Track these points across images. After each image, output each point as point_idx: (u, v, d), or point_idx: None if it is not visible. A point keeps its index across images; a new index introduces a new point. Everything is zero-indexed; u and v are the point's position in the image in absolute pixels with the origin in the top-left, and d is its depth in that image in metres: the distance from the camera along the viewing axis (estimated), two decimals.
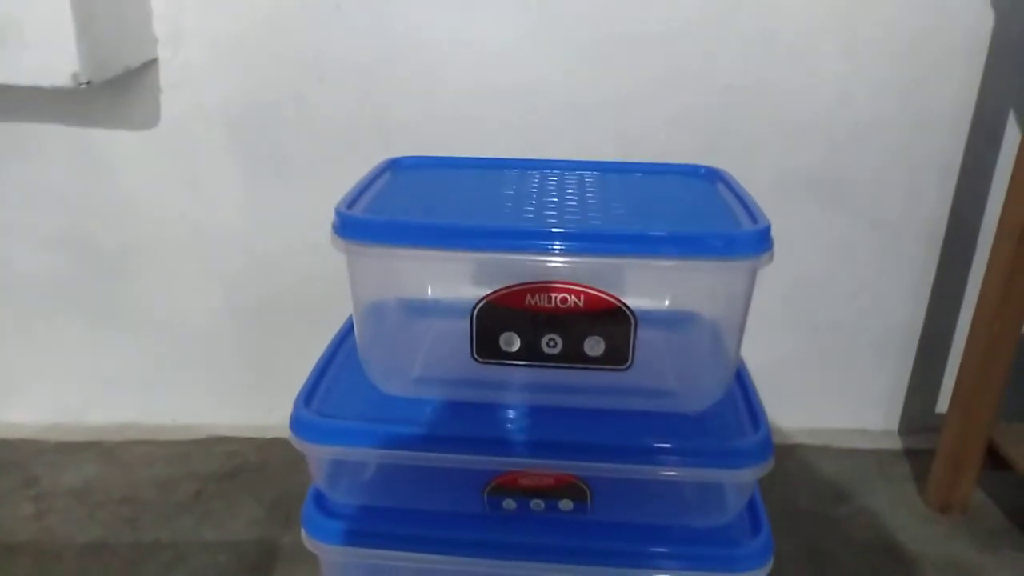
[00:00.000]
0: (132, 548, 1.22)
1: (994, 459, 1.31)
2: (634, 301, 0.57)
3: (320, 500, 0.59)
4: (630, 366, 0.59)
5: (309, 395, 0.61)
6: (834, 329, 1.44)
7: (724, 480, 0.57)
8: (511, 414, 0.57)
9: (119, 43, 1.18)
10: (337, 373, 0.65)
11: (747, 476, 0.56)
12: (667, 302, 0.62)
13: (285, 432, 1.47)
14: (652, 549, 0.55)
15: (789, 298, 1.42)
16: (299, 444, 0.58)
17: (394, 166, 0.79)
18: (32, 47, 1.06)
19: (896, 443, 1.49)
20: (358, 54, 1.28)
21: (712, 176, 0.78)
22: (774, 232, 0.62)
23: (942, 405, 1.48)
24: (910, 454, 1.47)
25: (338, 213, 0.61)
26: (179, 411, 1.50)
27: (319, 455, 0.60)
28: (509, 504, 0.57)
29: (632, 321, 0.57)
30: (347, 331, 0.69)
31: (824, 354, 1.46)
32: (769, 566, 0.56)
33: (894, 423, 1.52)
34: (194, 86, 1.30)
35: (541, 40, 1.27)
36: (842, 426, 1.50)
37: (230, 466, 1.41)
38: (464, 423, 0.58)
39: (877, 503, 1.34)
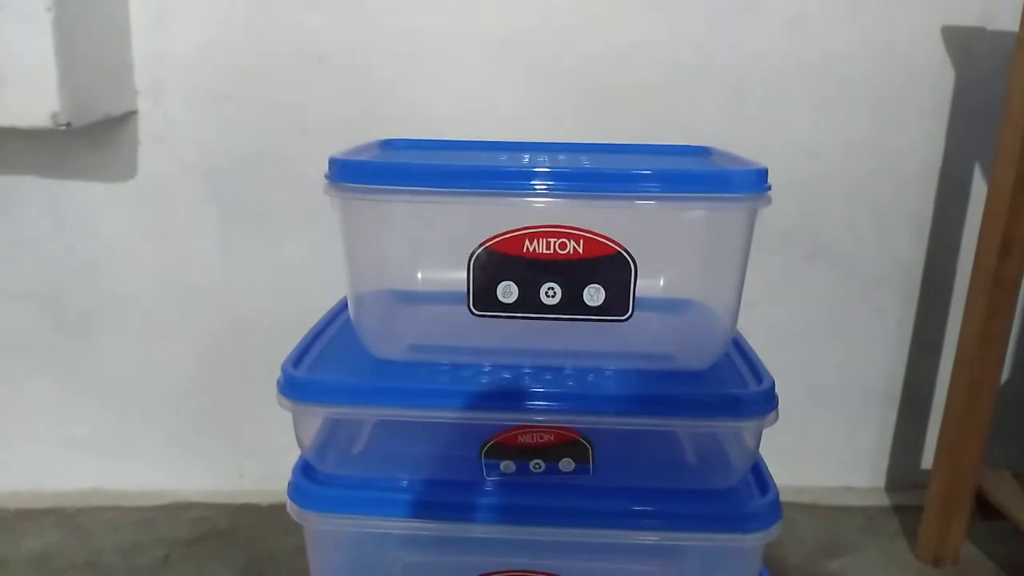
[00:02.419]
0: None
1: (983, 508, 1.29)
2: (633, 248, 0.56)
3: (308, 471, 0.56)
4: (630, 316, 0.57)
5: (298, 359, 0.58)
6: (816, 385, 1.44)
7: (728, 432, 0.55)
8: (509, 368, 0.55)
9: (100, 89, 1.18)
10: (327, 344, 0.62)
11: (751, 427, 0.54)
12: (666, 249, 0.61)
13: (256, 497, 1.43)
14: (658, 509, 0.52)
15: (769, 353, 1.40)
16: (289, 405, 0.54)
17: (386, 144, 0.78)
18: (12, 86, 1.05)
19: (884, 500, 1.47)
20: (340, 108, 1.29)
21: (704, 151, 0.78)
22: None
23: (927, 461, 1.47)
24: (899, 510, 1.44)
25: (331, 160, 0.59)
26: (145, 476, 1.44)
27: (309, 416, 0.56)
28: (507, 466, 0.54)
29: (632, 268, 0.56)
30: (339, 309, 0.67)
31: (807, 411, 1.45)
32: (779, 527, 0.54)
33: (881, 480, 1.50)
34: (173, 139, 1.30)
35: (527, 98, 1.29)
36: (828, 484, 1.48)
37: (199, 531, 1.35)
38: (460, 378, 0.55)
39: (869, 558, 1.31)
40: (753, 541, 0.54)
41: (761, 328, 1.14)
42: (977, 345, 1.22)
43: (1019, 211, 1.17)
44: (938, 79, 1.32)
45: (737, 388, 0.56)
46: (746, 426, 0.55)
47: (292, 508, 0.56)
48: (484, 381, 0.55)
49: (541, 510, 0.54)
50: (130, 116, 1.28)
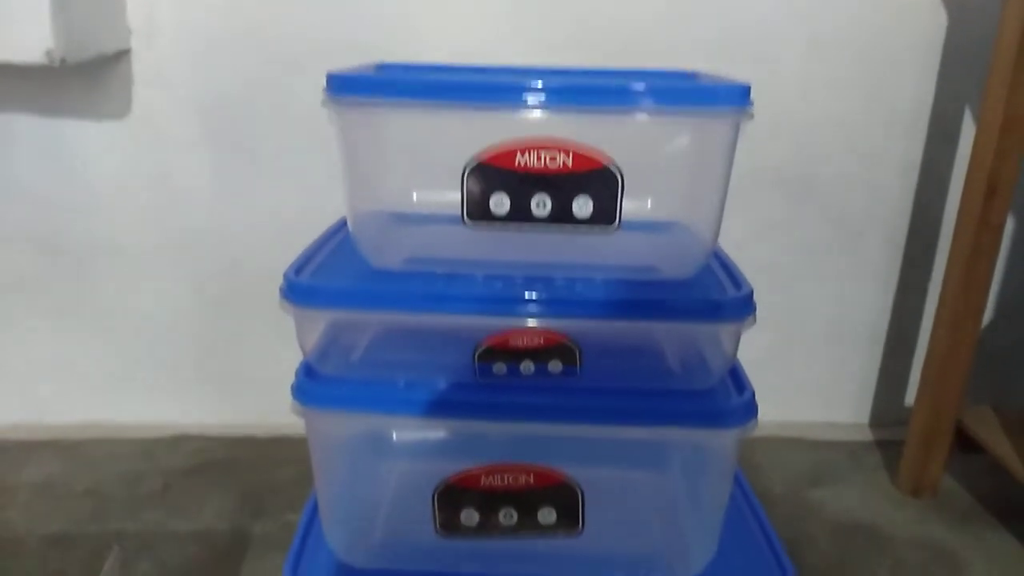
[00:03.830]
0: (96, 539, 1.19)
1: (963, 442, 1.33)
2: (621, 162, 0.58)
3: (310, 372, 0.58)
4: (617, 227, 0.59)
5: (300, 267, 0.60)
6: (802, 324, 1.47)
7: (708, 335, 0.58)
8: (501, 277, 0.57)
9: (94, 27, 1.18)
10: (327, 256, 0.64)
11: (730, 330, 0.56)
12: (652, 164, 0.63)
13: (254, 431, 1.46)
14: (641, 406, 0.55)
15: (758, 294, 1.43)
16: (292, 310, 0.57)
17: (381, 67, 0.79)
18: (6, 22, 1.06)
19: (867, 435, 1.51)
20: (335, 44, 1.29)
21: (690, 74, 0.80)
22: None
23: (910, 399, 1.50)
24: (881, 445, 1.48)
25: (329, 76, 0.60)
26: (144, 409, 1.47)
27: (310, 320, 0.58)
28: (500, 368, 0.57)
29: (619, 181, 0.58)
30: (338, 227, 0.69)
31: (793, 349, 1.48)
32: (754, 423, 0.56)
33: (864, 416, 1.53)
34: (167, 78, 1.30)
35: (517, 32, 1.30)
36: (813, 419, 1.51)
37: (197, 462, 1.38)
38: (455, 285, 0.57)
39: (850, 489, 1.35)
40: (730, 437, 0.57)
41: (748, 268, 1.15)
42: (961, 284, 1.24)
43: (1006, 152, 1.18)
44: (930, 21, 1.33)
45: (717, 294, 0.58)
46: (725, 329, 0.57)
47: (295, 406, 0.58)
48: (478, 287, 0.57)
49: (531, 407, 0.56)
50: (123, 55, 1.29)
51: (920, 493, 1.33)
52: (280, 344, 1.37)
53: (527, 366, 0.57)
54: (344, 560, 0.61)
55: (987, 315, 1.44)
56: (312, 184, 1.34)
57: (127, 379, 1.46)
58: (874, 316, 1.47)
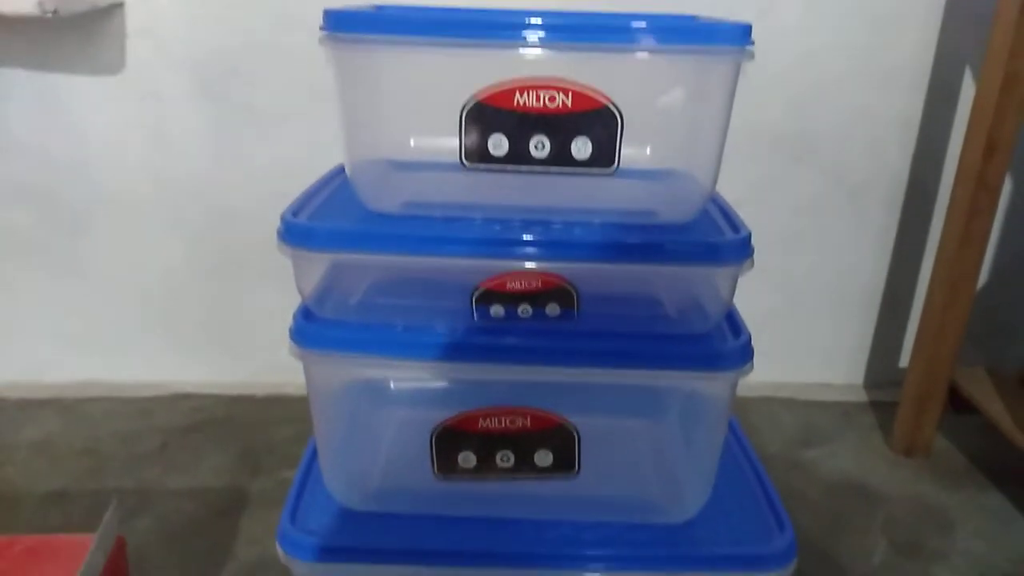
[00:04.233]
0: (94, 496, 1.19)
1: (956, 402, 1.34)
2: (621, 103, 0.57)
3: (308, 315, 0.58)
4: (616, 170, 0.59)
5: (297, 209, 0.60)
6: (798, 285, 1.47)
7: (706, 278, 0.58)
8: (499, 217, 0.57)
9: None
10: (324, 200, 0.63)
11: (728, 273, 0.56)
12: (652, 105, 0.62)
13: (251, 388, 1.47)
14: (638, 349, 0.55)
15: (755, 253, 1.43)
16: (289, 251, 0.56)
17: (379, 8, 0.78)
18: None
19: (861, 396, 1.52)
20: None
21: (690, 17, 0.79)
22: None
23: (905, 360, 1.51)
24: (875, 406, 1.49)
25: (326, 12, 0.59)
26: (141, 368, 1.47)
27: (307, 262, 0.58)
28: (497, 311, 0.57)
29: (619, 122, 0.57)
30: (336, 173, 0.68)
31: (788, 310, 1.48)
32: (750, 366, 0.57)
33: (859, 377, 1.54)
34: (161, 32, 1.29)
35: None
36: (808, 380, 1.52)
37: (195, 421, 1.39)
38: (453, 227, 0.57)
39: (844, 448, 1.36)
40: (726, 380, 0.57)
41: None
42: (958, 243, 1.24)
43: (1005, 111, 1.18)
44: None
45: (715, 237, 0.58)
46: (723, 272, 0.57)
47: (293, 349, 0.58)
48: (476, 230, 0.57)
49: (528, 350, 0.56)
50: (116, 8, 1.27)
51: (913, 453, 1.34)
52: (279, 302, 1.37)
53: (525, 309, 0.57)
54: (343, 504, 0.62)
55: (983, 277, 1.45)
56: (309, 137, 1.33)
57: (125, 338, 1.46)
58: (870, 277, 1.48)
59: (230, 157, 1.36)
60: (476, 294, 0.57)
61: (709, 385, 0.59)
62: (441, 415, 0.59)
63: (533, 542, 0.58)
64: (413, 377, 0.69)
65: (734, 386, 0.59)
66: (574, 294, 0.57)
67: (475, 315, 0.57)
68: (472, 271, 0.56)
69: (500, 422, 0.58)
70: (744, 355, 0.57)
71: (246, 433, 1.35)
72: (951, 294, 1.26)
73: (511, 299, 0.57)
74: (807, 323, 1.49)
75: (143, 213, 1.39)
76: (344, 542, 0.58)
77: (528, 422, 0.58)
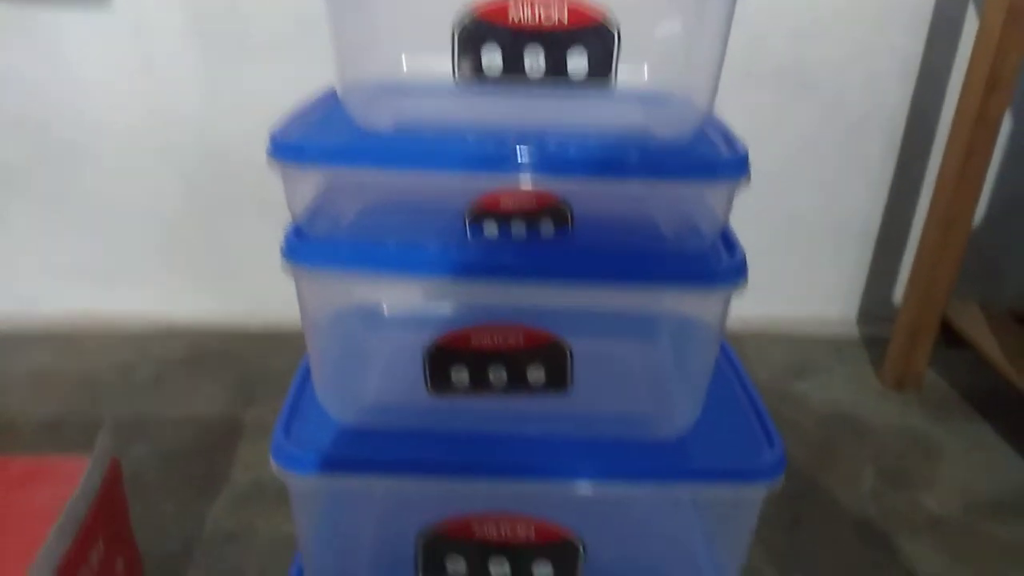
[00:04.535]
0: (91, 425, 1.20)
1: (948, 337, 1.34)
2: (618, 18, 0.56)
3: (300, 234, 0.58)
4: (613, 87, 0.58)
5: (288, 126, 0.59)
6: (795, 221, 1.46)
7: (701, 194, 0.58)
8: (493, 134, 0.56)
9: None
10: (315, 119, 0.62)
11: (724, 190, 0.56)
12: (649, 21, 0.61)
13: (245, 323, 1.47)
14: (632, 267, 0.55)
15: (751, 188, 1.42)
16: (279, 167, 0.56)
17: None
18: None
19: (854, 331, 1.53)
20: None
21: None
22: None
23: (899, 296, 1.51)
24: (867, 341, 1.50)
25: None
26: (135, 301, 1.47)
27: (298, 179, 0.57)
28: (491, 229, 0.56)
29: (615, 38, 0.57)
30: (328, 94, 0.67)
31: (784, 245, 1.48)
32: (744, 283, 0.57)
33: (852, 313, 1.55)
34: None
35: None
36: (802, 315, 1.52)
37: (190, 353, 1.39)
38: (446, 142, 0.56)
39: (834, 380, 1.38)
40: (720, 297, 0.57)
41: None
42: (955, 179, 1.23)
43: (1008, 47, 1.16)
44: None
45: (712, 154, 0.58)
46: (719, 190, 0.56)
47: (285, 266, 0.57)
48: (469, 146, 0.56)
49: (522, 268, 0.56)
50: None
51: (903, 386, 1.35)
52: (274, 236, 1.37)
53: (519, 227, 0.56)
54: (337, 419, 0.62)
55: (979, 214, 1.44)
56: (300, 70, 1.30)
57: (118, 271, 1.45)
58: (867, 213, 1.47)
59: (222, 90, 1.34)
60: (470, 212, 0.57)
61: (703, 303, 0.59)
62: (435, 335, 0.59)
63: (526, 455, 0.59)
64: (406, 298, 0.68)
65: (727, 304, 0.59)
66: (568, 212, 0.56)
67: (469, 233, 0.57)
68: (466, 188, 0.56)
69: (493, 339, 0.58)
70: (738, 272, 0.56)
71: (241, 365, 1.36)
72: (947, 229, 1.26)
73: (505, 217, 0.57)
74: (802, 258, 1.49)
75: (136, 147, 1.37)
76: (338, 454, 0.58)
77: (521, 339, 0.58)
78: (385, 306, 0.73)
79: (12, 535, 0.70)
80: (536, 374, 0.60)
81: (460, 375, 0.60)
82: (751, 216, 1.43)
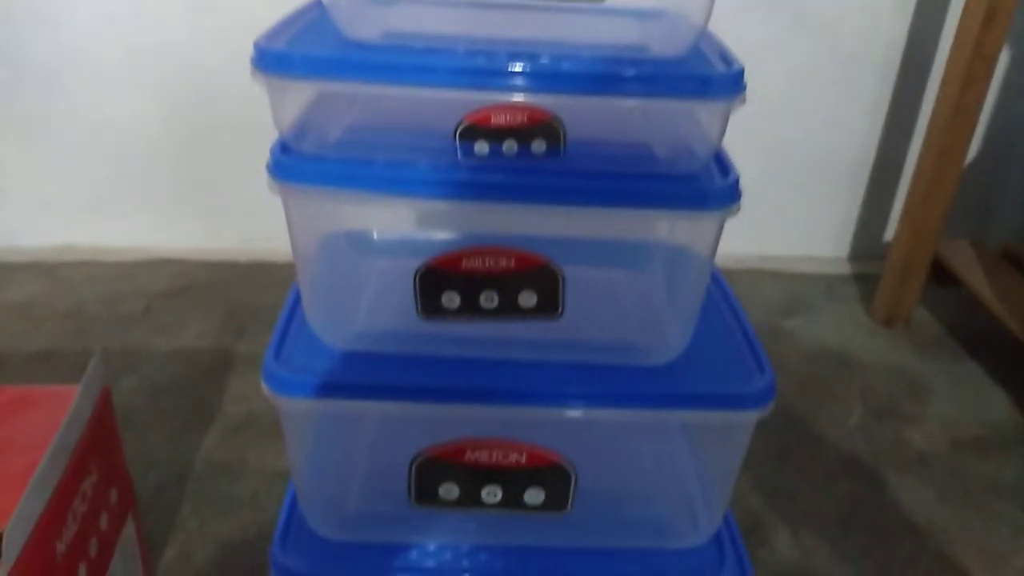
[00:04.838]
0: (80, 356, 1.19)
1: (939, 275, 1.35)
2: None
3: (286, 149, 0.56)
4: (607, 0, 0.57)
5: (272, 36, 0.57)
6: (788, 156, 1.45)
7: (695, 113, 0.57)
8: (484, 48, 0.55)
9: None
10: (299, 30, 0.60)
11: (719, 109, 0.55)
12: None
13: (233, 255, 1.45)
14: (625, 187, 0.54)
15: (744, 122, 1.40)
16: (265, 81, 0.54)
17: None
18: None
19: (845, 268, 1.53)
20: None
21: None
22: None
23: (891, 234, 1.51)
24: (859, 278, 1.50)
25: None
26: (120, 233, 1.45)
27: (284, 91, 0.56)
28: (481, 147, 0.55)
29: None
30: (313, 5, 0.65)
31: (777, 181, 1.47)
32: (738, 206, 0.56)
33: (844, 250, 1.55)
34: None
35: None
36: (793, 253, 1.52)
37: (178, 285, 1.38)
38: (435, 55, 0.54)
39: (824, 317, 1.38)
40: (713, 220, 0.56)
41: None
42: (951, 112, 1.22)
43: None
44: None
45: (707, 70, 0.56)
46: (713, 108, 0.55)
47: (271, 183, 0.56)
48: (459, 59, 0.54)
49: (513, 187, 0.55)
50: None
51: (893, 323, 1.36)
52: (259, 166, 1.34)
53: (510, 146, 0.55)
54: (328, 344, 0.61)
55: (972, 152, 1.43)
56: None
57: (104, 202, 1.43)
58: (861, 149, 1.46)
59: (207, 13, 1.30)
60: (459, 129, 0.55)
61: (696, 226, 0.58)
62: (425, 258, 0.58)
63: (517, 380, 0.59)
64: (395, 221, 0.67)
65: (720, 228, 0.58)
66: (561, 131, 0.55)
67: (459, 152, 0.56)
68: (456, 104, 0.54)
69: (484, 262, 0.57)
70: (732, 194, 0.56)
71: (230, 298, 1.35)
72: (941, 164, 1.25)
73: (496, 135, 0.55)
74: (795, 195, 1.48)
75: (116, 73, 1.34)
76: (329, 379, 0.58)
77: (512, 263, 0.58)
78: (375, 231, 0.72)
79: (2, 464, 0.70)
80: (528, 298, 0.59)
81: (451, 298, 0.59)
82: (745, 152, 1.42)
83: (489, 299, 0.59)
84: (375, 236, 0.72)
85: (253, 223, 1.42)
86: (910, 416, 1.17)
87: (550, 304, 0.60)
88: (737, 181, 0.56)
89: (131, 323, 1.28)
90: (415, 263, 0.59)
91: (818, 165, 1.46)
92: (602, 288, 0.69)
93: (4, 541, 0.58)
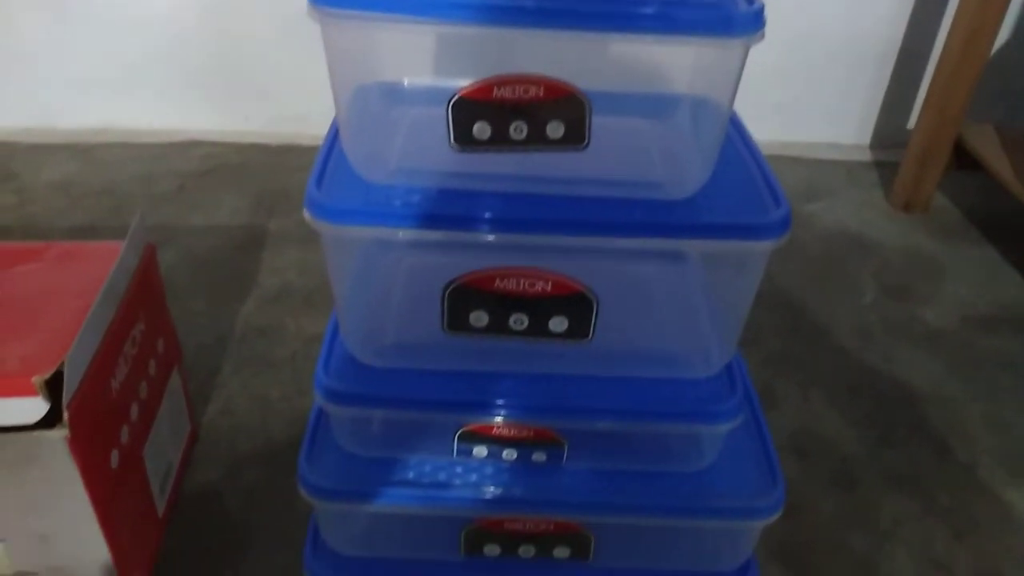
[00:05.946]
0: (119, 231, 1.22)
1: (961, 160, 1.35)
2: None
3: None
4: None
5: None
6: (812, 41, 1.44)
7: None
8: None
9: None
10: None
11: None
12: None
13: (263, 138, 1.48)
14: (653, 10, 0.56)
15: (769, 6, 1.39)
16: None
17: None
18: None
19: (867, 156, 1.53)
20: None
21: None
22: None
23: (914, 122, 1.51)
24: (880, 165, 1.51)
25: None
26: (153, 115, 1.48)
27: None
28: None
29: None
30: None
31: (800, 67, 1.46)
32: (761, 34, 0.57)
33: (866, 138, 1.55)
34: None
35: None
36: (815, 139, 1.53)
37: (210, 165, 1.42)
38: None
39: (844, 202, 1.39)
40: (738, 47, 0.58)
41: None
42: None
43: None
44: None
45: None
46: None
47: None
48: None
49: (540, 12, 0.56)
50: None
51: (912, 208, 1.37)
52: (290, 59, 1.36)
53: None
54: (365, 178, 0.64)
55: (1002, 35, 1.42)
56: None
57: (136, 84, 1.46)
58: (887, 35, 1.45)
59: None
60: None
61: (720, 54, 0.60)
62: (456, 91, 0.60)
63: (544, 211, 0.62)
64: (426, 66, 0.69)
65: (744, 58, 0.60)
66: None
67: None
68: None
69: (514, 91, 0.60)
70: (757, 21, 0.57)
71: (261, 178, 1.38)
72: (969, 45, 1.24)
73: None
74: (818, 81, 1.48)
75: None
76: (367, 207, 0.61)
77: (541, 91, 0.60)
78: (406, 80, 0.74)
79: (54, 310, 0.73)
80: (555, 129, 0.62)
81: (483, 129, 0.62)
82: (769, 37, 1.42)
83: (519, 129, 0.62)
84: (406, 84, 0.74)
85: (282, 107, 1.44)
86: (924, 296, 1.20)
87: (576, 134, 0.62)
88: (763, 9, 0.58)
89: (166, 201, 1.32)
90: (446, 99, 0.61)
91: (843, 51, 1.45)
92: (626, 128, 0.71)
93: (66, 371, 0.63)
